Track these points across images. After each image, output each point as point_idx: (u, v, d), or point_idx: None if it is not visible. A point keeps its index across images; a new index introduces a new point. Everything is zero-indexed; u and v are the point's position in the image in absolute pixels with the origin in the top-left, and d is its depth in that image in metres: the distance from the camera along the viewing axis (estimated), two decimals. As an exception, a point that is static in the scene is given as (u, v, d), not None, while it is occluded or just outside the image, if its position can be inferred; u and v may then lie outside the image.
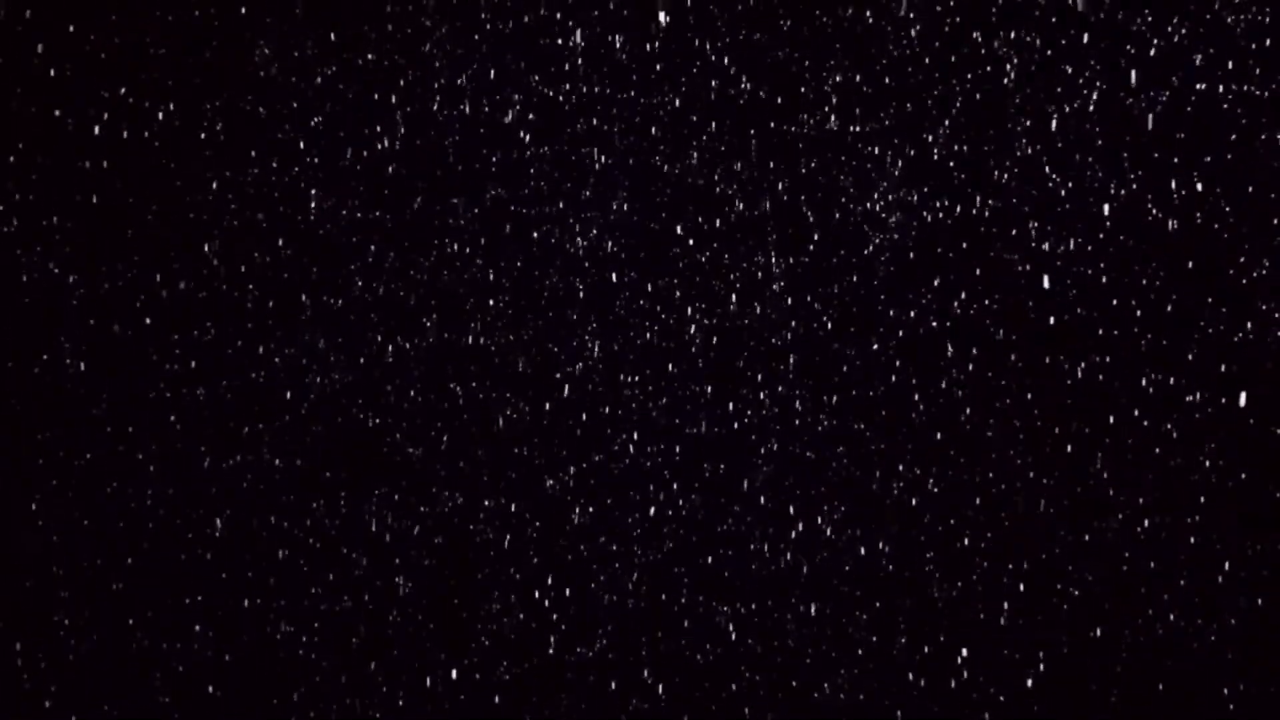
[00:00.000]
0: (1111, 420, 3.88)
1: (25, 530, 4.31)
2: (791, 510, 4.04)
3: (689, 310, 4.08)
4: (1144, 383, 3.87)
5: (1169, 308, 3.85)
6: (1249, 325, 3.79)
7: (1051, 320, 3.90)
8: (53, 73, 4.26)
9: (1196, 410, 3.84)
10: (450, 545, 4.17)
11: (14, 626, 4.29)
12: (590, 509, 4.13)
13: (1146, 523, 3.87)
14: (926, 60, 3.94)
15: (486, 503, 4.17)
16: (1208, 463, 3.83)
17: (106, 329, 4.27)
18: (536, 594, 4.15)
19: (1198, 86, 3.82)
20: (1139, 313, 3.87)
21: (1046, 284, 3.90)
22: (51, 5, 4.25)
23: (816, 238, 4.01)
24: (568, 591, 4.14)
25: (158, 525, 4.27)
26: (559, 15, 4.10)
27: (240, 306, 4.23)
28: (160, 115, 4.25)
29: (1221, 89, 3.81)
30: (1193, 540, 3.84)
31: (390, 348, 4.19)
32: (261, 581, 4.24)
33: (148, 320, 4.26)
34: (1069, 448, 3.91)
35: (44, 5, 4.25)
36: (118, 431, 4.27)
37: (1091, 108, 3.87)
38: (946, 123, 3.94)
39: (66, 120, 4.26)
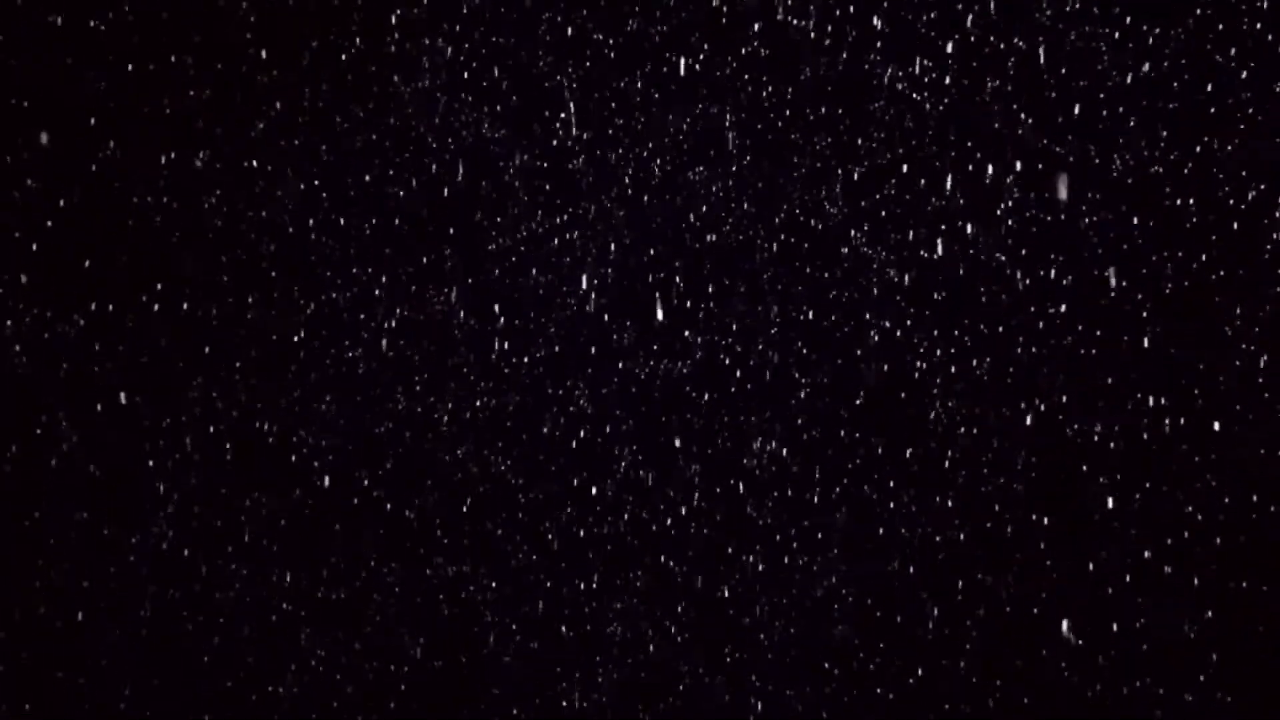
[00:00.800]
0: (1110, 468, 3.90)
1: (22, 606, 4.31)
2: (793, 568, 4.04)
3: (688, 361, 4.09)
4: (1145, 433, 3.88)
5: (1170, 358, 3.87)
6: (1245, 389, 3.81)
7: (1044, 352, 3.92)
8: (46, 123, 4.28)
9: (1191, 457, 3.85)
10: (454, 611, 4.17)
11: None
12: (592, 564, 4.13)
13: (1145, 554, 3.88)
14: (925, 114, 3.96)
15: (486, 563, 4.17)
16: (1204, 496, 3.84)
17: (100, 391, 4.28)
18: (541, 651, 4.15)
19: (1202, 139, 3.84)
20: (1139, 353, 3.89)
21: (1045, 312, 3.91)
22: (42, 61, 4.28)
23: (812, 283, 4.02)
24: (573, 649, 4.14)
25: (156, 594, 4.26)
26: (558, 69, 4.12)
27: (234, 366, 4.24)
28: (147, 190, 4.27)
29: (1225, 151, 3.83)
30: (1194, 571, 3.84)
31: (387, 407, 4.20)
32: (262, 649, 4.23)
33: (143, 382, 4.27)
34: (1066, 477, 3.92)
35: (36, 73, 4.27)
36: (113, 502, 4.27)
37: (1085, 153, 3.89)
38: (945, 175, 3.95)
39: (58, 182, 4.28)
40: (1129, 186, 3.87)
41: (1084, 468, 3.89)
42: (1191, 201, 3.85)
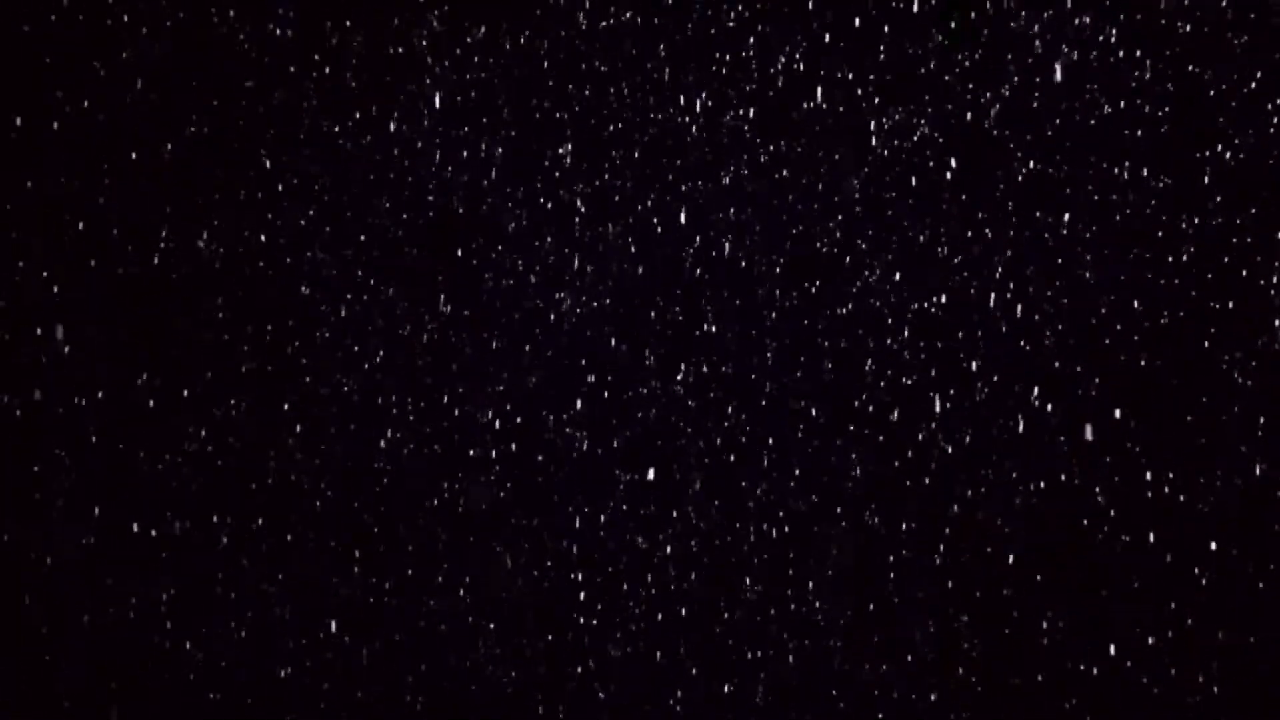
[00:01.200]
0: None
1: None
2: (794, 601, 4.05)
3: (686, 387, 4.10)
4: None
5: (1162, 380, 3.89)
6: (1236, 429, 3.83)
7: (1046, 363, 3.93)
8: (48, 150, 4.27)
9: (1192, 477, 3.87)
10: (452, 639, 4.17)
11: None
12: (591, 590, 4.14)
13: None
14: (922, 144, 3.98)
15: (484, 591, 4.17)
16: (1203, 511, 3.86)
17: (93, 420, 4.27)
18: (539, 677, 4.15)
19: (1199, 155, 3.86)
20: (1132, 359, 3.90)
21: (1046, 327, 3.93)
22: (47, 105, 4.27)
23: (812, 311, 4.04)
24: (571, 677, 4.14)
25: (152, 626, 4.26)
26: (556, 101, 4.13)
27: (230, 394, 4.23)
28: (141, 231, 4.26)
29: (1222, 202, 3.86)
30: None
31: (384, 437, 4.20)
32: (259, 679, 4.22)
33: (138, 415, 4.26)
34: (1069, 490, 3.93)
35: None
36: (109, 536, 4.26)
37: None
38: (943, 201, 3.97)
39: (59, 216, 4.27)
40: (1132, 220, 3.89)
41: (1086, 497, 3.91)
42: (1194, 230, 3.87)
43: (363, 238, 4.20)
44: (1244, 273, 3.84)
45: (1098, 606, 3.91)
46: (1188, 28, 3.85)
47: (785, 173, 4.04)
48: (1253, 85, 3.81)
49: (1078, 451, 3.91)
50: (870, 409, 4.01)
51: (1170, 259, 3.88)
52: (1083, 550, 3.92)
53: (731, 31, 4.05)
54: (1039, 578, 3.94)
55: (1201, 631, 3.86)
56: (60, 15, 4.23)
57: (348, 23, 4.16)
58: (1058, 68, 3.91)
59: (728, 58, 4.06)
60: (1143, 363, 3.89)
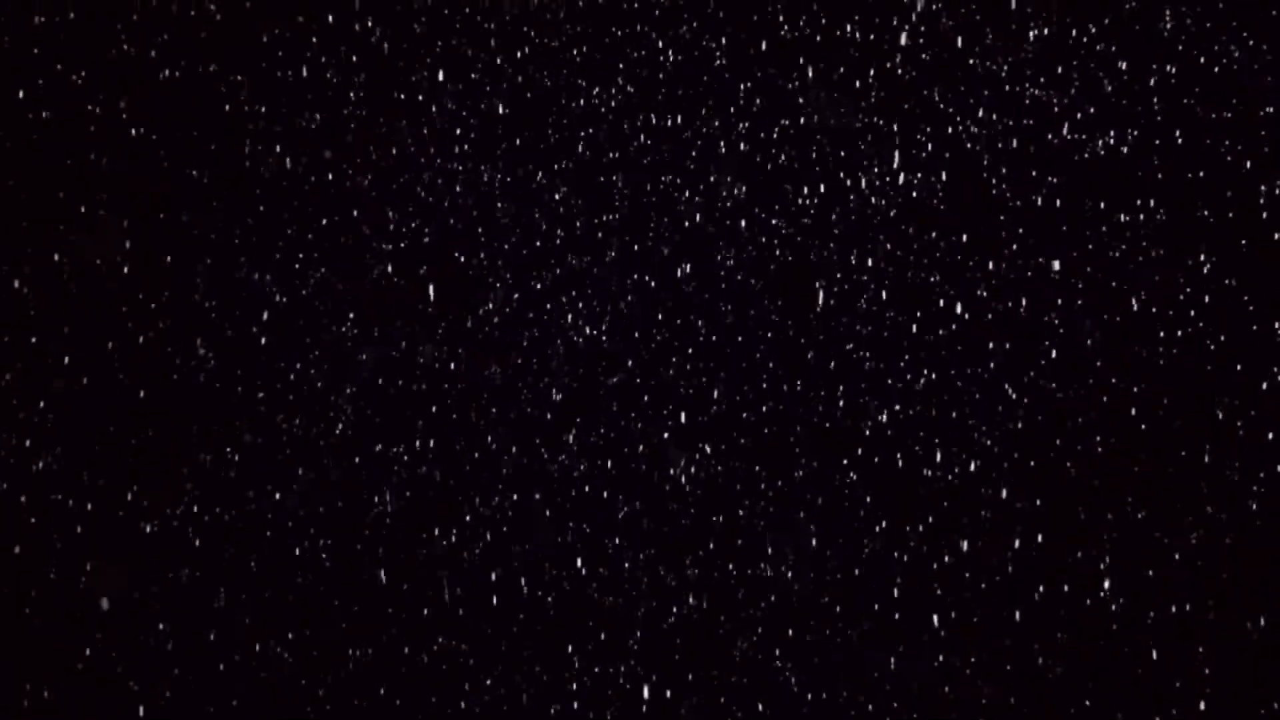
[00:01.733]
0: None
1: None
2: (790, 623, 4.06)
3: (684, 412, 4.10)
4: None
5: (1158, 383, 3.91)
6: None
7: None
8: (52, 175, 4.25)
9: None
10: (450, 680, 4.17)
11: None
12: (589, 629, 4.14)
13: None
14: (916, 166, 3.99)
15: (481, 629, 4.16)
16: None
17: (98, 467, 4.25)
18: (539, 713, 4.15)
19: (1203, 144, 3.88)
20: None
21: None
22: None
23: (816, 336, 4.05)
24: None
25: (146, 659, 4.24)
26: (557, 142, 4.13)
27: (228, 422, 4.22)
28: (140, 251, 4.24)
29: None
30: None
31: (379, 473, 4.19)
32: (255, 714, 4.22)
33: (132, 455, 4.24)
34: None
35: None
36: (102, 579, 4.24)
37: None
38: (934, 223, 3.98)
39: (66, 226, 4.25)
40: (1132, 246, 3.91)
41: (1089, 523, 3.93)
42: (1194, 254, 3.89)
43: (361, 273, 4.19)
44: (1246, 297, 3.86)
45: (1103, 639, 3.93)
46: (1187, 50, 3.87)
47: (786, 201, 4.05)
48: (1254, 109, 3.84)
49: (1080, 477, 3.93)
50: (871, 434, 4.02)
51: (1170, 284, 3.90)
52: (1087, 580, 3.94)
53: (730, 59, 4.05)
54: (1041, 603, 3.96)
55: (1204, 652, 3.89)
56: (53, 70, 4.20)
57: (350, 57, 4.15)
58: (1055, 90, 3.93)
59: (727, 86, 4.06)
60: (1144, 391, 3.91)
